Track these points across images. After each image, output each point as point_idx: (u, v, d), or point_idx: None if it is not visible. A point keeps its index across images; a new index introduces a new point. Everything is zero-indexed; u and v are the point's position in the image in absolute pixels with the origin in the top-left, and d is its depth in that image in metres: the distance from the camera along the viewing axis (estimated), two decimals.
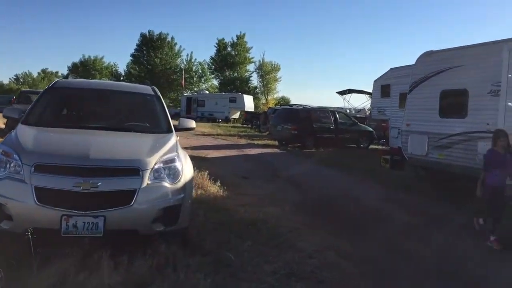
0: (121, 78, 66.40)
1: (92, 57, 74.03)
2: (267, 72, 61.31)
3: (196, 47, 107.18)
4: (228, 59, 61.86)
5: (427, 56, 9.90)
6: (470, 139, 8.53)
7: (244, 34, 62.74)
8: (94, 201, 3.91)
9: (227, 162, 13.48)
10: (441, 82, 9.38)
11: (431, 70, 9.65)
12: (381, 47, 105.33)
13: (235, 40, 62.41)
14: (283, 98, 66.57)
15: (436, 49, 9.83)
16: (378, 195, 9.36)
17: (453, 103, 9.29)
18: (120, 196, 4.00)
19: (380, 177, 11.36)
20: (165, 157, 4.45)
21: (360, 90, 34.76)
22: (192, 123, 5.92)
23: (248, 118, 36.83)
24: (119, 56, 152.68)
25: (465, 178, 8.95)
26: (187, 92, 57.02)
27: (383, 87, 18.70)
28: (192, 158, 13.12)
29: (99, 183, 3.90)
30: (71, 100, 5.84)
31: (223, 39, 63.25)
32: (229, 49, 62.98)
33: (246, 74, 63.61)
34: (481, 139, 8.21)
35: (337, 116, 19.54)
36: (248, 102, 43.96)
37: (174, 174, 4.42)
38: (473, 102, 8.58)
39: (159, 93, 5.99)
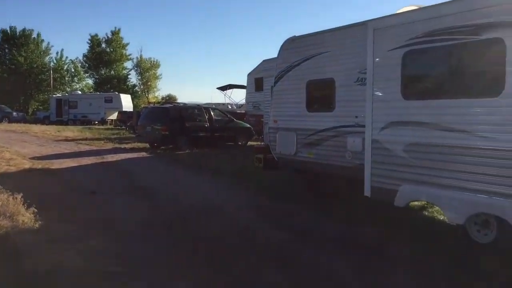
0: None
1: None
2: (146, 69, 58.38)
3: (66, 44, 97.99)
4: (103, 56, 57.65)
5: (291, 43, 8.79)
6: (339, 134, 7.54)
7: (119, 30, 59.04)
8: None
9: (77, 173, 11.37)
10: (307, 71, 8.31)
11: (296, 58, 8.55)
12: (259, 36, 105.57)
13: (110, 36, 58.43)
14: (169, 96, 64.07)
15: (300, 34, 8.77)
16: (245, 204, 8.08)
17: (320, 95, 8.29)
18: None
19: (251, 181, 10.15)
20: None
21: (241, 85, 33.88)
22: None
23: (123, 119, 34.04)
24: None
25: (337, 178, 8.04)
26: (58, 93, 52.04)
27: (256, 81, 17.73)
28: (32, 171, 11.27)
29: None
30: None
31: (96, 35, 58.80)
32: (103, 45, 58.79)
33: (124, 72, 59.98)
34: (351, 134, 7.27)
35: (212, 113, 18.15)
36: (126, 102, 41.04)
37: None
38: (341, 93, 7.60)
39: None
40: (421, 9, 5.83)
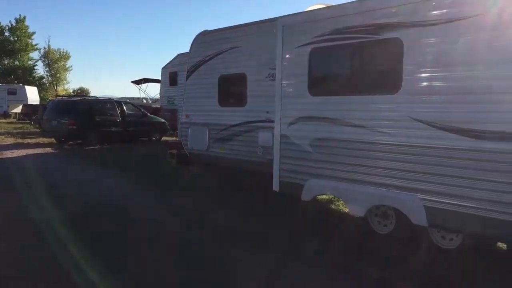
0: None
1: None
2: (54, 60, 55.15)
3: None
4: (6, 45, 53.49)
5: (203, 37, 8.70)
6: (250, 129, 7.61)
7: (24, 18, 55.03)
8: None
9: None
10: (219, 66, 8.29)
11: (208, 52, 8.49)
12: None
13: (14, 24, 54.37)
14: (81, 89, 60.99)
15: (212, 29, 8.70)
16: (155, 201, 7.82)
17: (232, 90, 8.29)
18: None
19: (163, 177, 9.91)
20: None
21: (156, 79, 33.02)
22: None
23: (28, 112, 31.82)
24: None
25: (249, 173, 8.10)
26: None
27: (171, 75, 17.39)
28: None
29: None
30: None
31: None
32: (6, 34, 54.57)
33: (30, 62, 56.16)
34: (262, 129, 7.34)
35: (124, 107, 17.49)
36: (32, 94, 38.49)
37: None
38: (252, 88, 7.67)
39: None
40: (328, 8, 5.99)
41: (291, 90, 6.12)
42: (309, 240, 5.58)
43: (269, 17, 7.33)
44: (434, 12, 4.63)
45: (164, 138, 18.29)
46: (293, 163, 6.04)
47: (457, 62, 4.46)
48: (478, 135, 4.29)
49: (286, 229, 6.08)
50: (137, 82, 32.12)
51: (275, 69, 6.56)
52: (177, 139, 15.75)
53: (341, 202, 7.03)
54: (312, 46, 5.79)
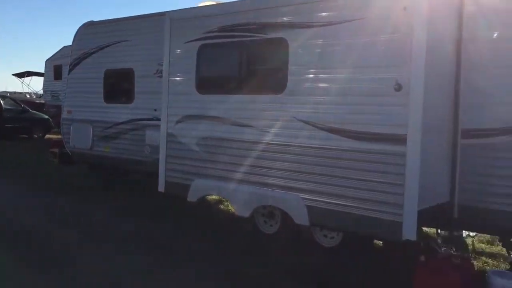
0: None
1: None
2: None
3: None
4: None
5: (88, 28, 8.19)
6: (137, 127, 7.28)
7: None
8: None
9: None
10: (105, 60, 7.85)
11: (93, 45, 8.00)
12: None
13: None
14: None
15: (98, 20, 8.21)
16: (32, 204, 7.20)
17: (119, 86, 7.88)
18: None
19: (42, 177, 9.18)
20: None
21: (41, 72, 30.70)
22: None
23: None
24: None
25: (136, 173, 7.78)
26: None
27: (55, 68, 16.26)
28: None
29: None
30: None
31: None
32: None
33: None
34: (149, 128, 7.05)
35: (1, 102, 15.98)
36: None
37: None
38: (140, 85, 7.34)
39: None
40: (216, 4, 5.89)
41: (179, 87, 5.92)
42: (191, 241, 5.46)
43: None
44: (318, 14, 4.68)
45: (48, 136, 17.03)
46: (179, 162, 5.83)
47: (338, 64, 4.57)
48: (357, 136, 4.41)
49: (168, 230, 5.93)
50: (20, 75, 29.68)
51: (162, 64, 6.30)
52: (60, 137, 14.74)
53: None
54: (201, 42, 5.63)
